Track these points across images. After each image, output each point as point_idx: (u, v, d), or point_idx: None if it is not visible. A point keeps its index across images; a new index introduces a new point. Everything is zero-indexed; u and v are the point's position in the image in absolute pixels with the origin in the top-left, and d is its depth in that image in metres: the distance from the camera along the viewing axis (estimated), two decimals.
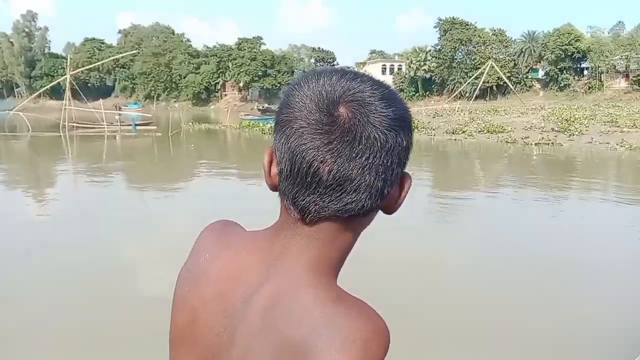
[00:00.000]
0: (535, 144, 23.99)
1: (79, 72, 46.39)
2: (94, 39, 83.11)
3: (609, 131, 25.95)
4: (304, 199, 0.71)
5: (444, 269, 7.23)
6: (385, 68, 74.60)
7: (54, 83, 41.28)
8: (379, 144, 0.68)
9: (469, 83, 49.85)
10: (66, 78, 33.55)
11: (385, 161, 0.69)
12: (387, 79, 71.37)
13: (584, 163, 19.95)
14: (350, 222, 0.73)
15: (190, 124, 36.84)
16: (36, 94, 40.99)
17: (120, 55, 50.07)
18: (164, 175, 16.79)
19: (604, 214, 11.00)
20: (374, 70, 73.85)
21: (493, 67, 47.93)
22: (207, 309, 0.77)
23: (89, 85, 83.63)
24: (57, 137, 29.63)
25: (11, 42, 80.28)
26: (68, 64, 35.34)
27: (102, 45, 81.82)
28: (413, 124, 0.74)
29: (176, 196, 12.88)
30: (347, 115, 0.68)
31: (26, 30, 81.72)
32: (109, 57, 74.46)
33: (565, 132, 25.98)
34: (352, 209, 0.71)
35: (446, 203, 11.91)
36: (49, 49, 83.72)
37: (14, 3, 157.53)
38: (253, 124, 35.16)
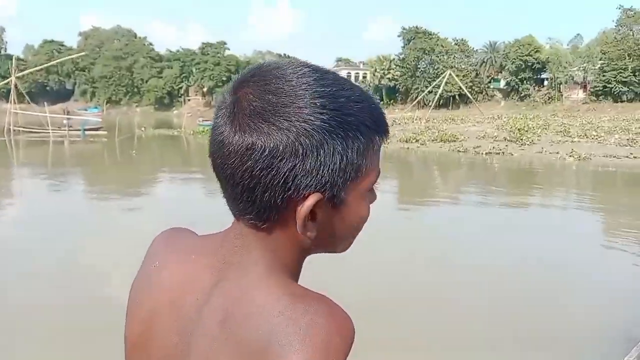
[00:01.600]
0: (486, 153, 23.88)
1: (26, 74, 44.68)
2: (53, 40, 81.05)
3: (560, 141, 26.06)
4: (220, 187, 0.70)
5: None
6: (350, 76, 74.57)
7: None
8: (236, 139, 0.63)
9: (428, 92, 50.04)
10: (11, 80, 32.22)
11: (242, 160, 0.63)
12: None
13: (528, 171, 19.81)
14: (262, 231, 0.68)
15: (142, 129, 35.86)
16: None
17: (69, 57, 48.55)
18: (101, 181, 16.00)
19: (543, 214, 10.72)
20: None
21: (452, 76, 48.10)
22: (160, 319, 0.73)
23: (48, 88, 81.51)
24: (0, 143, 28.39)
25: None
26: (14, 65, 34.02)
27: (62, 48, 79.81)
28: (324, 140, 0.63)
29: (115, 200, 12.16)
30: (229, 102, 0.65)
31: None
32: (68, 60, 72.73)
33: (517, 142, 25.98)
34: (234, 209, 0.69)
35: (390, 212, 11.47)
36: (5, 50, 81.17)
37: None
38: (208, 129, 34.32)
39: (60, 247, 8.25)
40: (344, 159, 0.64)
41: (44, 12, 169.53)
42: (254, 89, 0.64)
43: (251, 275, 0.67)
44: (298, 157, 0.62)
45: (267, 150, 0.62)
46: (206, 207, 11.49)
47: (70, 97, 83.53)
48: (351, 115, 0.65)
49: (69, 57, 48.24)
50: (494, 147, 24.72)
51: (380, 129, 0.68)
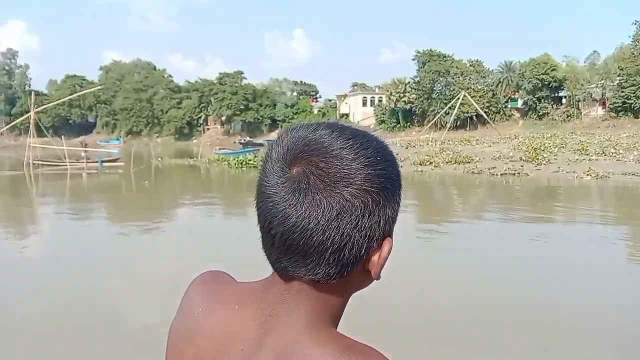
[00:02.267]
0: (501, 174, 23.53)
1: (45, 108, 45.82)
2: (75, 75, 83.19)
3: (577, 160, 25.60)
4: (270, 255, 0.72)
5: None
6: (366, 100, 74.79)
7: (15, 122, 40.72)
8: (322, 209, 0.66)
9: (442, 114, 49.85)
10: (30, 115, 33.01)
11: (332, 226, 0.66)
12: (368, 111, 71.64)
13: (545, 192, 19.44)
14: (324, 286, 0.71)
15: (159, 159, 36.27)
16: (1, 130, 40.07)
17: (85, 91, 49.70)
18: (113, 211, 16.15)
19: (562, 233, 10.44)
20: (355, 103, 74.10)
21: (467, 97, 47.86)
22: None
23: (71, 122, 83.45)
24: (20, 176, 28.92)
25: None
26: (32, 101, 34.86)
27: (83, 82, 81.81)
28: (394, 188, 0.70)
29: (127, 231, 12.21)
30: (297, 176, 0.67)
31: (6, 68, 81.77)
32: (90, 93, 74.39)
33: (533, 162, 25.59)
34: (310, 274, 0.69)
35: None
36: (29, 86, 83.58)
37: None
38: (222, 158, 34.64)
39: (75, 272, 8.40)
40: (400, 200, 0.72)
41: (68, 48, 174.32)
42: (319, 158, 0.67)
43: (300, 329, 0.69)
44: (381, 209, 0.68)
45: (358, 210, 0.66)
46: (223, 234, 11.47)
47: (92, 130, 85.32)
48: (396, 161, 0.73)
49: (85, 91, 49.37)
50: (509, 168, 24.36)
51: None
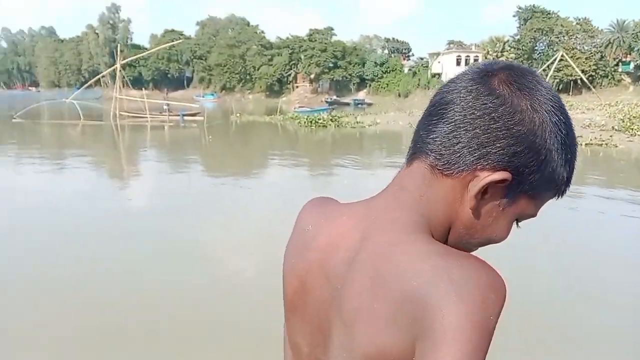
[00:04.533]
0: (586, 144, 21.32)
1: (127, 62, 47.62)
2: (173, 30, 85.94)
3: None
4: (418, 132, 0.75)
5: None
6: (460, 59, 71.21)
7: (102, 75, 42.80)
8: (485, 87, 0.69)
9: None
10: (116, 68, 34.42)
11: (476, 104, 0.69)
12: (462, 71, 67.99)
13: (623, 167, 17.31)
14: (437, 177, 0.72)
15: (237, 115, 36.74)
16: (88, 84, 42.09)
17: (164, 46, 50.92)
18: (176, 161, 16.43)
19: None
20: (448, 61, 70.80)
21: (565, 58, 43.95)
22: (313, 277, 0.80)
23: (169, 76, 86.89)
24: (107, 126, 30.41)
25: (97, 34, 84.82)
26: (118, 54, 36.24)
27: (181, 37, 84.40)
28: (562, 159, 0.70)
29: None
30: (494, 67, 0.71)
31: (110, 22, 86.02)
32: (186, 47, 76.75)
33: (626, 132, 22.98)
34: (431, 141, 0.72)
35: None
36: (131, 40, 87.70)
37: None
38: (297, 116, 34.41)
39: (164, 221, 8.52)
40: (546, 173, 0.70)
41: (171, 3, 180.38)
42: (522, 72, 0.71)
43: (397, 233, 0.70)
44: (523, 137, 0.67)
45: (505, 117, 0.67)
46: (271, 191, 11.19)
47: (189, 84, 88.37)
48: (571, 152, 0.72)
49: (163, 46, 50.56)
50: (595, 138, 22.02)
51: (568, 183, 0.74)
